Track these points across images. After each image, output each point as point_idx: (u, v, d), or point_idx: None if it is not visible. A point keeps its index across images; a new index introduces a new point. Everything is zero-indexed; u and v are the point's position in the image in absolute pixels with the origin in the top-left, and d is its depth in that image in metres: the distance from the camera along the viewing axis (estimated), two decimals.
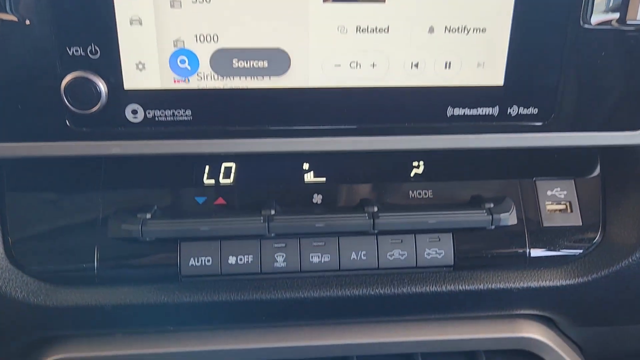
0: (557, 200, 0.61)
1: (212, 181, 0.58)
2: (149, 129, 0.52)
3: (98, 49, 0.48)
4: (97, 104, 0.50)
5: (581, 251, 0.60)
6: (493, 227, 0.56)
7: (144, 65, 0.50)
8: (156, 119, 0.52)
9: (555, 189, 0.61)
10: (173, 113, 0.52)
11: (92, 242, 0.55)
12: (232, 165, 0.59)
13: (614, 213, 0.61)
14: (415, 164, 0.60)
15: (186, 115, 0.52)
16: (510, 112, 0.54)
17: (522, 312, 0.63)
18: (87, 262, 0.55)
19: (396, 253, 0.57)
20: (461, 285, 0.58)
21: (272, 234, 0.54)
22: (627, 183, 0.61)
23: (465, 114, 0.54)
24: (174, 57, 0.50)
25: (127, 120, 0.51)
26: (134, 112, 0.51)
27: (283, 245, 0.56)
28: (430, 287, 0.58)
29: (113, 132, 0.52)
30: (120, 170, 0.57)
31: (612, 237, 0.61)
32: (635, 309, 0.64)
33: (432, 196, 0.59)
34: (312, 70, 0.51)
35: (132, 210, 0.54)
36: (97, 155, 0.53)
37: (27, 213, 0.56)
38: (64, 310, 0.55)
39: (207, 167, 0.59)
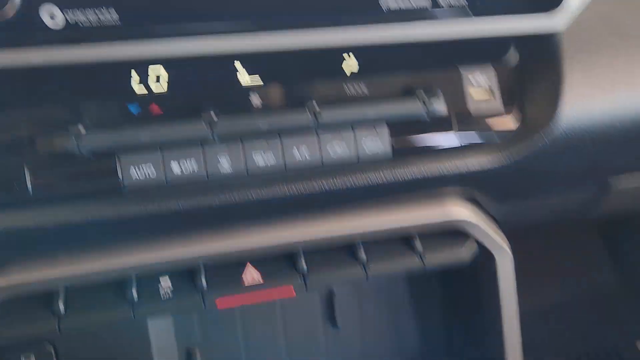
0: (480, 89, 0.62)
1: (144, 90, 0.53)
2: (70, 34, 0.46)
3: None
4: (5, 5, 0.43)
5: (503, 136, 0.62)
6: (426, 116, 0.56)
7: None
8: (77, 21, 0.45)
9: (478, 78, 0.62)
10: (95, 12, 0.45)
11: (21, 162, 0.49)
12: (163, 71, 0.54)
13: (530, 97, 0.63)
14: (347, 57, 0.58)
15: (110, 15, 0.46)
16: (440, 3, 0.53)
17: (451, 194, 0.66)
18: (19, 184, 0.49)
19: (337, 148, 0.56)
20: (398, 174, 0.59)
21: (216, 138, 0.51)
22: (541, 68, 0.63)
23: (401, 8, 0.52)
24: None
25: (44, 24, 0.45)
26: (51, 14, 0.45)
27: (227, 149, 0.53)
28: (371, 178, 0.58)
29: (28, 40, 0.45)
30: (42, 82, 0.51)
31: (528, 121, 0.63)
32: (546, 184, 0.68)
33: (367, 91, 0.58)
34: None
35: (63, 124, 0.48)
36: (13, 67, 0.46)
37: None
38: (1, 236, 0.50)
39: (136, 75, 0.53)
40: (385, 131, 0.58)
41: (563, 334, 1.46)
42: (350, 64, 0.58)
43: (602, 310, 1.78)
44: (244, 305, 0.80)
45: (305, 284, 0.62)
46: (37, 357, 0.62)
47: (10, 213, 0.50)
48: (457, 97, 0.61)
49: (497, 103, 0.63)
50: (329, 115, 0.53)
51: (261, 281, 0.61)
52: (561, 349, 1.50)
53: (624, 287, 1.81)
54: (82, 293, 0.58)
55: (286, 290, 0.62)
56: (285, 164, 0.55)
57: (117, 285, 0.59)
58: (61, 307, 0.57)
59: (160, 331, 0.69)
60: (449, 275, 0.84)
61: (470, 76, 0.62)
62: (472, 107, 0.62)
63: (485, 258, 0.71)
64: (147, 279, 0.60)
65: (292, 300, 0.83)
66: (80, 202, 0.51)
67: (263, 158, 0.54)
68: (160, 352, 0.68)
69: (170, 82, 0.54)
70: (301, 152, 0.55)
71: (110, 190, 0.51)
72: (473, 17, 0.56)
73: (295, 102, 0.56)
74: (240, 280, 0.61)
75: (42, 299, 0.57)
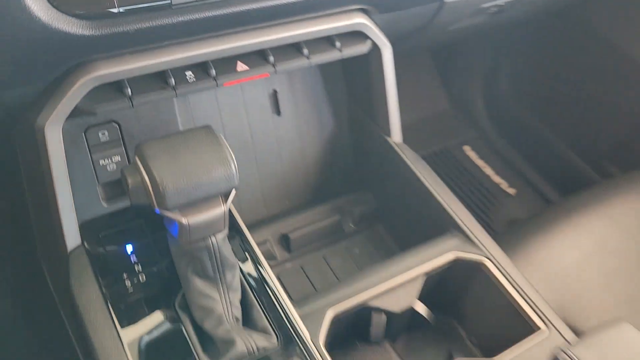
0: None
1: None
2: None
3: None
4: None
5: None
6: None
7: None
8: None
9: None
10: None
11: None
12: None
13: None
14: None
15: None
16: None
17: (354, 10, 1.01)
18: (109, 3, 0.75)
19: None
20: None
21: None
22: None
23: None
24: None
25: None
26: None
27: None
28: None
29: None
30: None
31: None
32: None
33: None
34: None
35: None
36: None
37: None
38: (96, 38, 0.76)
39: None
40: None
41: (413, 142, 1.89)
42: None
43: (439, 124, 2.35)
44: (223, 102, 1.13)
45: (275, 69, 0.96)
46: (108, 132, 0.91)
47: (100, 23, 0.76)
48: None
49: None
50: None
51: (248, 68, 0.94)
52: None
53: (453, 107, 2.39)
54: (139, 82, 0.87)
55: (264, 73, 0.95)
56: None
57: (159, 77, 0.88)
58: (129, 91, 0.85)
59: (180, 113, 1.00)
60: (350, 71, 1.23)
61: None
62: None
63: (375, 51, 1.10)
64: (178, 71, 0.89)
65: (251, 100, 1.17)
66: (145, 14, 0.78)
67: None
68: (183, 125, 1.00)
69: None
70: None
71: (163, 6, 0.79)
72: None
73: None
74: (235, 69, 0.93)
75: (114, 88, 0.85)
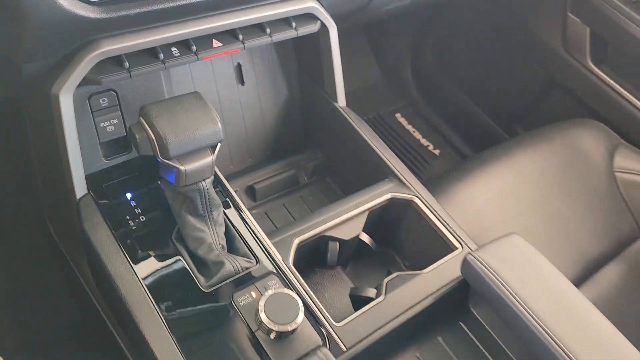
0: None
1: None
2: None
3: None
4: None
5: None
6: None
7: None
8: None
9: None
10: None
11: None
12: None
13: None
14: None
15: None
16: None
17: None
18: None
19: None
20: None
21: None
22: None
23: None
24: None
25: None
26: None
27: None
28: None
29: None
30: None
31: None
32: None
33: None
34: None
35: None
36: None
37: None
38: (104, 20, 0.93)
39: None
40: None
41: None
42: None
43: (373, 95, 2.61)
44: (196, 74, 1.31)
45: (244, 45, 1.15)
46: (107, 98, 1.08)
47: (108, 8, 0.93)
48: None
49: None
50: None
51: (222, 44, 1.13)
52: None
53: (385, 79, 2.64)
54: (134, 57, 1.04)
55: (235, 49, 1.15)
56: None
57: (150, 52, 1.05)
58: (127, 64, 1.02)
59: (165, 83, 1.18)
60: (301, 47, 1.43)
61: None
62: None
63: (324, 30, 1.31)
64: (165, 48, 1.07)
65: (219, 72, 1.35)
66: (144, 0, 0.96)
67: None
68: (168, 93, 1.17)
69: None
70: None
71: None
72: None
73: None
74: (211, 45, 1.12)
75: (115, 62, 1.02)
